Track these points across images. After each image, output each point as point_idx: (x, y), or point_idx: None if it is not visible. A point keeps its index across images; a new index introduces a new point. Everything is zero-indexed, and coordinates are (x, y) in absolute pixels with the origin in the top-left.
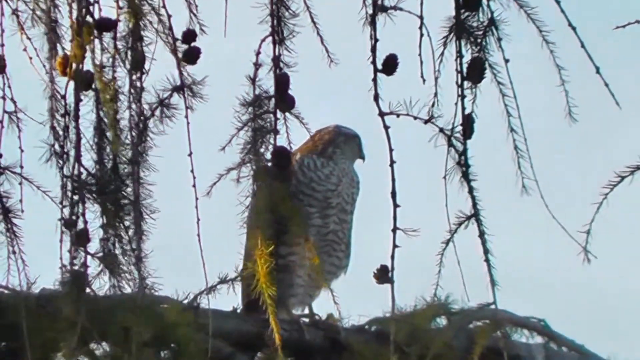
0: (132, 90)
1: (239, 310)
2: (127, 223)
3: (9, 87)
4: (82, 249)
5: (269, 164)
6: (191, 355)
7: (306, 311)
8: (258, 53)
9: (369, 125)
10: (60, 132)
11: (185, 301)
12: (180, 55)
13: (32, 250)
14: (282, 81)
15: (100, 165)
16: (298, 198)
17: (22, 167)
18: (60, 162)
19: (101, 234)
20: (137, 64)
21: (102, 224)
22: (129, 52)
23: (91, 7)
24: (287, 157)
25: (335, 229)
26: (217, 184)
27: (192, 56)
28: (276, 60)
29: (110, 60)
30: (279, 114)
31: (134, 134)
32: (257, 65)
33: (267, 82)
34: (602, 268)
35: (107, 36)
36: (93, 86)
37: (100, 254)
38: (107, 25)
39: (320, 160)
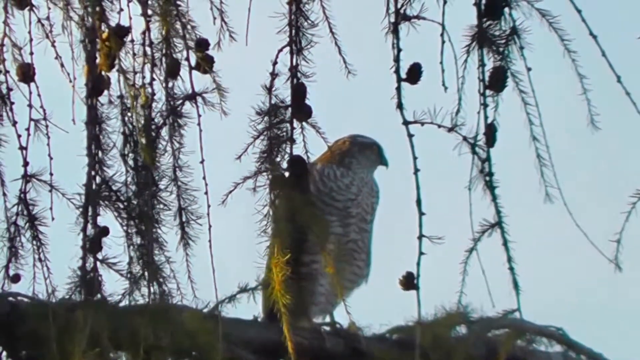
0: (168, 97)
1: (259, 319)
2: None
3: (38, 95)
4: (94, 256)
5: (286, 172)
6: None
7: (328, 319)
8: (275, 63)
9: (388, 134)
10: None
11: (206, 310)
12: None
13: (57, 258)
14: (299, 91)
15: (136, 172)
16: (318, 207)
17: (51, 174)
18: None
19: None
20: (173, 71)
21: (128, 231)
22: (163, 59)
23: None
24: (303, 166)
25: (356, 238)
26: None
27: (206, 65)
28: (293, 69)
29: (140, 66)
30: (295, 124)
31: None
32: (274, 75)
33: (284, 92)
34: (626, 278)
35: (137, 42)
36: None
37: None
38: (121, 31)
39: (340, 170)
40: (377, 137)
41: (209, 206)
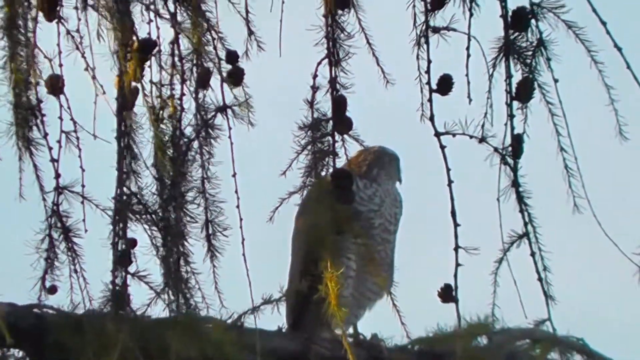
0: (199, 108)
1: (284, 330)
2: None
3: (68, 107)
4: (124, 269)
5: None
6: None
7: (350, 330)
8: (315, 76)
9: (418, 145)
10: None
11: (229, 321)
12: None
13: (94, 268)
14: (339, 103)
15: (161, 184)
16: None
17: (83, 186)
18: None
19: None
20: (203, 81)
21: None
22: (194, 69)
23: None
24: (349, 178)
25: (379, 249)
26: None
27: (236, 77)
28: (333, 82)
29: (169, 78)
30: (337, 136)
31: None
32: (315, 88)
33: (325, 105)
34: None
35: (165, 53)
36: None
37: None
38: (149, 45)
39: (363, 182)
40: (407, 148)
41: (241, 219)
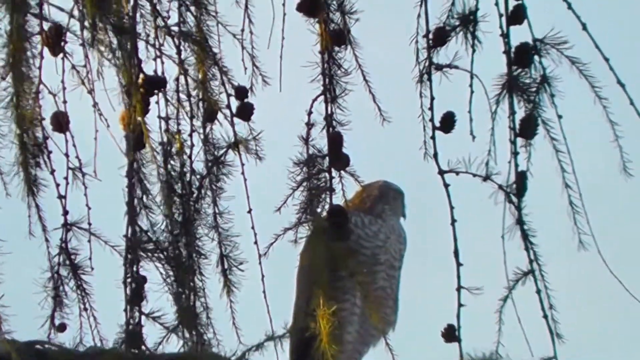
0: (206, 143)
1: None
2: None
3: (74, 144)
4: (137, 307)
5: (327, 223)
6: None
7: None
8: (310, 112)
9: (420, 183)
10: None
11: (233, 358)
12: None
13: (105, 306)
14: (335, 139)
15: (171, 224)
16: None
17: (90, 224)
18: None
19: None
20: (211, 115)
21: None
22: (200, 104)
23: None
24: (344, 215)
25: (384, 285)
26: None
27: (245, 112)
28: (329, 118)
29: (175, 112)
30: (333, 173)
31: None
32: (310, 125)
33: (320, 141)
34: None
35: (171, 89)
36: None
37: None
38: (156, 83)
39: (368, 218)
40: (410, 185)
41: (260, 256)
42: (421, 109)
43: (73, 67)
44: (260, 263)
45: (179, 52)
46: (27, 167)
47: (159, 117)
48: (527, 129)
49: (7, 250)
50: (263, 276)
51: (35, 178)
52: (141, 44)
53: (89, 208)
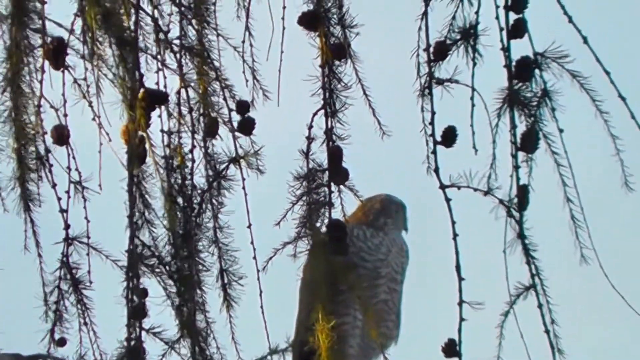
0: (207, 157)
1: None
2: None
3: (74, 158)
4: (138, 323)
5: (325, 237)
6: None
7: None
8: (310, 127)
9: (421, 197)
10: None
11: None
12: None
13: (106, 321)
14: (335, 154)
15: (173, 238)
16: (359, 271)
17: (89, 237)
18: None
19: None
20: (211, 130)
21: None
22: (201, 119)
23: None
24: (343, 230)
25: (385, 298)
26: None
27: (246, 127)
28: (329, 132)
29: (176, 125)
30: (333, 187)
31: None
32: (310, 139)
33: (320, 155)
34: None
35: (172, 102)
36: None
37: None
38: (158, 97)
39: (370, 231)
40: (407, 199)
41: (258, 271)
42: (423, 124)
43: (75, 81)
44: (258, 279)
45: (180, 66)
46: (24, 182)
47: (162, 130)
48: (528, 143)
49: (8, 265)
50: (261, 292)
51: (31, 193)
52: (142, 58)
53: (88, 221)
